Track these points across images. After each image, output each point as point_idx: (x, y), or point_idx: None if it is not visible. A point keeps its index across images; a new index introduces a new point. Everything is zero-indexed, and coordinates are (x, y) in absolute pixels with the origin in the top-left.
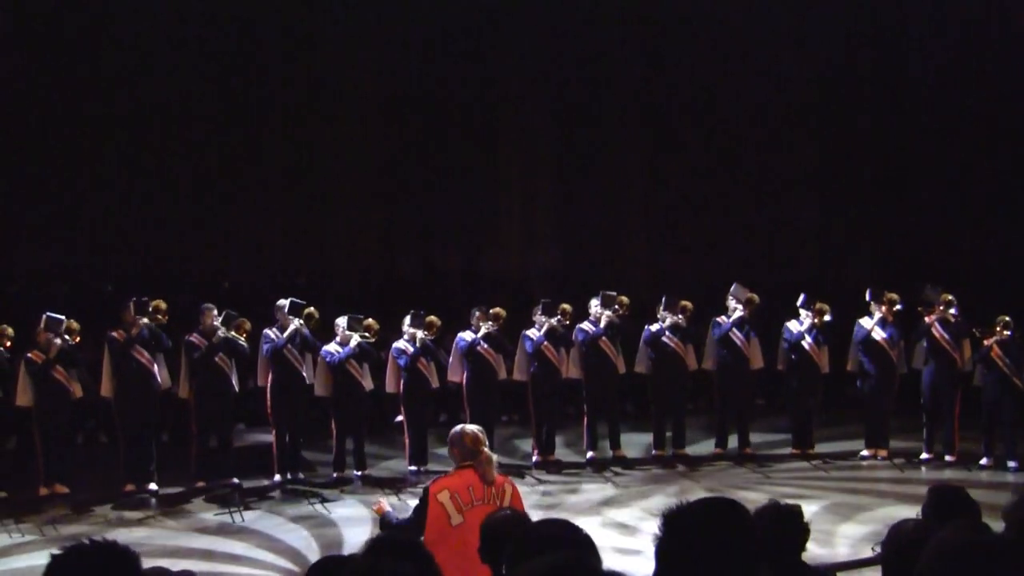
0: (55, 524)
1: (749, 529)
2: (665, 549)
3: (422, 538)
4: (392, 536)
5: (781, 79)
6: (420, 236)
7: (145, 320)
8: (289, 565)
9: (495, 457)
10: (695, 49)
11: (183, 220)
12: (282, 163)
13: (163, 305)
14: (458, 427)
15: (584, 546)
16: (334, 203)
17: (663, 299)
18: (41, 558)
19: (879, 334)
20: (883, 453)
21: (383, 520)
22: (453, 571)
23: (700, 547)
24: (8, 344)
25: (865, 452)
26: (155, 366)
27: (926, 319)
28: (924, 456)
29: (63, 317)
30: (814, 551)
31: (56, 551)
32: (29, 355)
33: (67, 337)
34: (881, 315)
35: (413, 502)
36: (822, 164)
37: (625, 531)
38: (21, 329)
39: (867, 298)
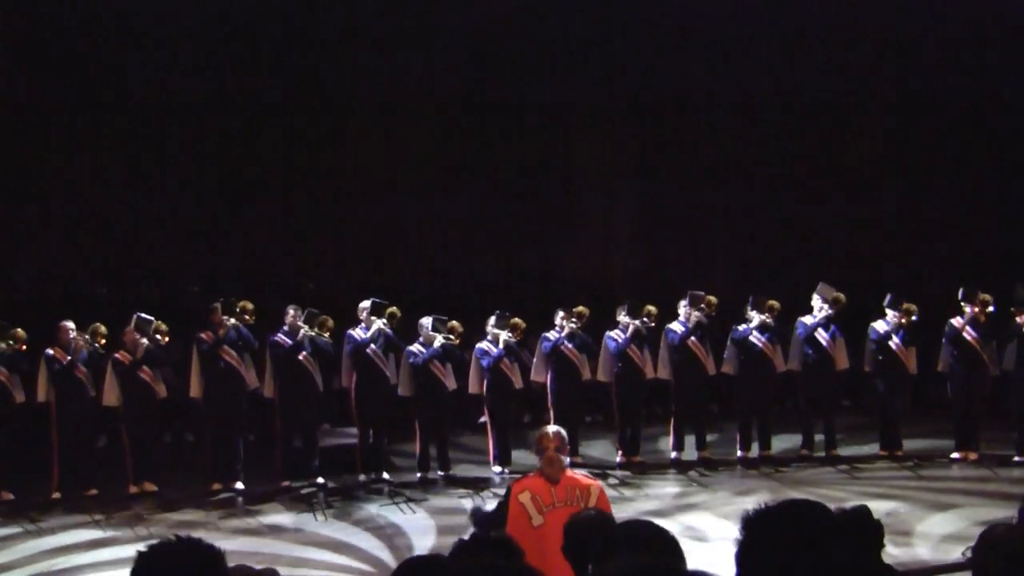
0: (142, 520)
1: (831, 531)
2: (746, 552)
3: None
4: (481, 535)
5: (867, 73)
6: (500, 237)
7: (233, 321)
8: (373, 564)
9: (566, 459)
10: (776, 44)
11: (268, 222)
12: (363, 165)
13: (250, 306)
14: (542, 428)
15: (669, 547)
16: (414, 204)
17: (750, 299)
18: (127, 551)
19: (970, 334)
20: (973, 456)
21: (474, 511)
22: None
23: (781, 550)
24: (102, 342)
25: (956, 454)
26: (243, 366)
27: (1017, 319)
28: (1017, 459)
29: (152, 318)
30: (902, 554)
31: (143, 547)
32: (117, 356)
33: (157, 337)
34: (972, 315)
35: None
36: (911, 160)
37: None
38: (112, 329)
39: (959, 298)
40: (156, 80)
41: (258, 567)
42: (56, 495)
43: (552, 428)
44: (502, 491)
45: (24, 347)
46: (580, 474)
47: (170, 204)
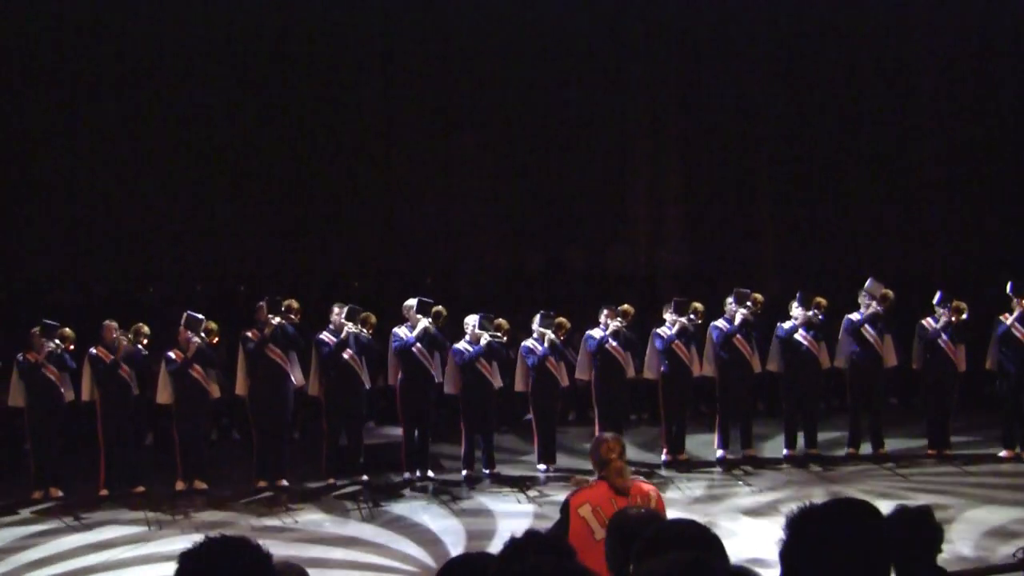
0: (190, 516)
1: (878, 530)
2: (791, 551)
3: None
4: (532, 533)
5: (916, 74)
6: (547, 234)
7: (278, 319)
8: (418, 561)
9: (629, 468)
10: (828, 45)
11: (314, 221)
12: (410, 164)
13: (296, 304)
14: (598, 435)
15: (711, 545)
16: (462, 201)
17: (797, 295)
18: (173, 545)
19: (1019, 330)
20: None
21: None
22: None
23: (827, 549)
24: (145, 342)
25: (1003, 453)
26: (288, 365)
27: None
28: None
29: (202, 316)
30: (953, 554)
31: (189, 545)
32: (169, 353)
33: (204, 336)
34: (1022, 311)
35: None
36: (959, 158)
37: None
38: (161, 329)
39: (1008, 291)
40: (205, 81)
41: (286, 552)
42: (104, 492)
43: (610, 435)
44: (547, 489)
45: (72, 346)
46: (640, 480)
47: (216, 204)
